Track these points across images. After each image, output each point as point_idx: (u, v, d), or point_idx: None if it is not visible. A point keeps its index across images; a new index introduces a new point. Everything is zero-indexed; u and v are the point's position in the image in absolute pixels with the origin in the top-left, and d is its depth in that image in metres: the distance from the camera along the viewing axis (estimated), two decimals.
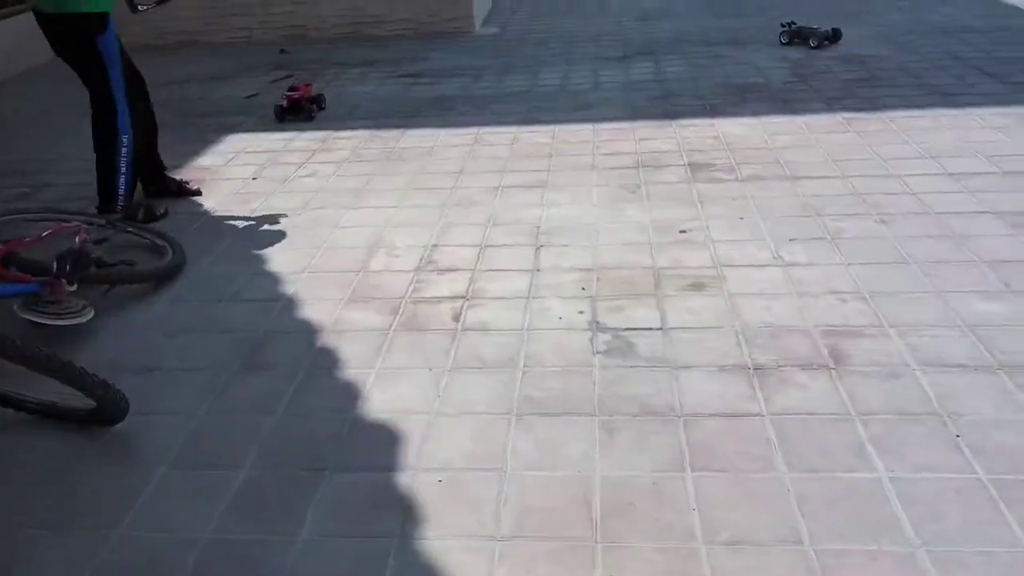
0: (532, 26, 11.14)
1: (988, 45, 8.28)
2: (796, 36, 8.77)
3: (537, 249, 4.59)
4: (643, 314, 3.86)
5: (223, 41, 11.01)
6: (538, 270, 4.36)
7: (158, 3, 5.06)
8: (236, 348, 3.78)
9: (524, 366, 3.53)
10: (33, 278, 3.57)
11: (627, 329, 3.75)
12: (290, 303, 4.17)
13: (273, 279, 4.44)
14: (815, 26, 8.71)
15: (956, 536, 2.51)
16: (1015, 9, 10.08)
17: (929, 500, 2.66)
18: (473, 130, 6.76)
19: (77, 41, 4.79)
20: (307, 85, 7.33)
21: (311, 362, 3.65)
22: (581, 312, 3.92)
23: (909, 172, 5.27)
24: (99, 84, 4.93)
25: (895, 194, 4.96)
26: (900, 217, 4.66)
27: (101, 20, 4.77)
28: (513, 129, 6.72)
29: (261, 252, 4.77)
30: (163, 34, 10.96)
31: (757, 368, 3.41)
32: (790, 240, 4.48)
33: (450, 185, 5.61)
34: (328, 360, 3.66)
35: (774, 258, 4.30)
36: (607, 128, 6.58)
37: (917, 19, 9.80)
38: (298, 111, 7.09)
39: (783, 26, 8.91)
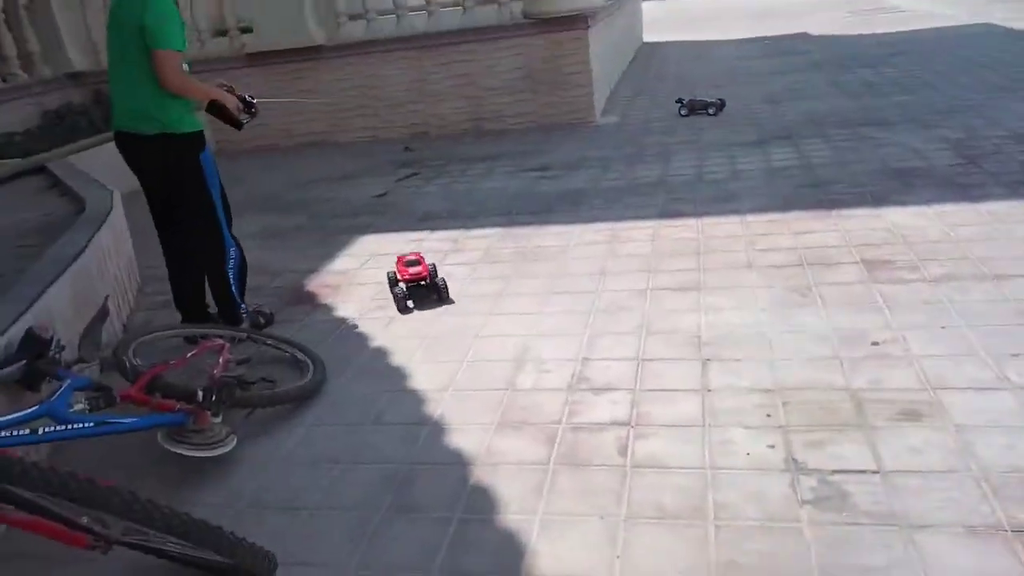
0: (653, 113, 10.87)
1: None
2: (691, 107, 10.21)
3: (704, 363, 4.07)
4: (851, 451, 3.25)
5: (348, 141, 11.30)
6: (709, 390, 3.83)
7: (252, 116, 4.95)
8: (384, 483, 3.42)
9: (715, 518, 2.97)
10: (178, 405, 3.35)
11: (835, 472, 3.14)
12: (436, 428, 3.80)
13: (416, 399, 4.10)
14: (706, 98, 10.25)
15: None
16: None
17: None
18: (609, 225, 6.40)
19: (177, 160, 4.69)
20: (419, 258, 5.39)
21: (466, 504, 3.23)
22: (772, 447, 3.35)
23: None
24: (198, 202, 4.78)
25: None
26: None
27: (201, 137, 4.73)
28: (652, 223, 6.31)
29: (401, 366, 4.47)
30: (292, 135, 11.38)
31: (1016, 531, 2.73)
32: (1012, 356, 3.78)
33: (593, 288, 5.21)
34: (484, 502, 3.23)
35: (999, 379, 3.61)
36: (757, 220, 6.06)
37: None
38: (423, 295, 5.24)
39: (678, 102, 10.30)
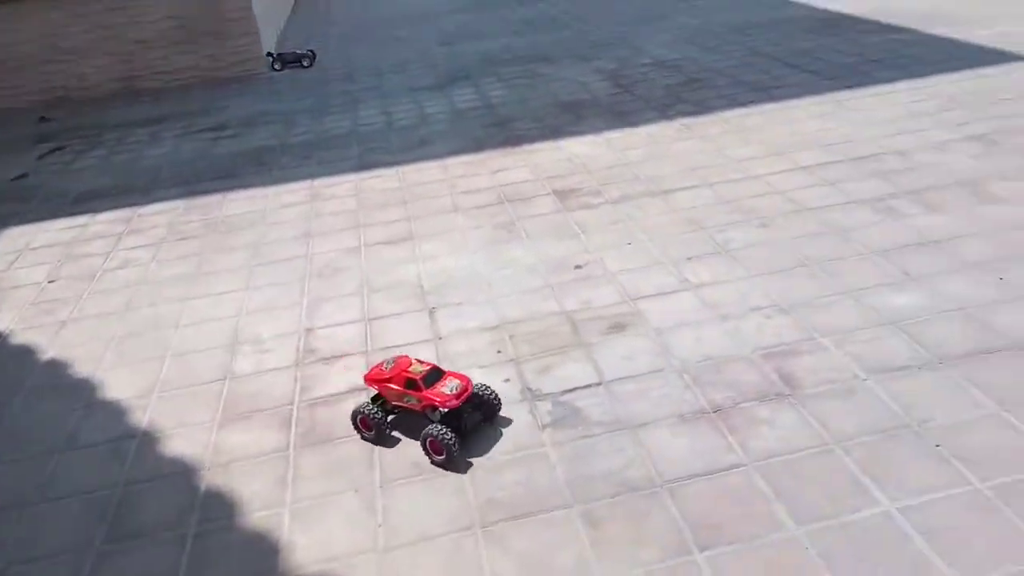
0: (329, 60, 10.46)
1: (779, 38, 8.85)
2: (283, 61, 10.13)
3: (431, 312, 4.07)
4: (576, 370, 3.48)
5: None
6: (440, 338, 3.84)
7: None
8: (93, 515, 2.91)
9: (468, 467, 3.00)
10: None
11: (566, 392, 3.34)
12: (148, 439, 3.33)
13: (115, 410, 3.54)
14: (297, 50, 10.22)
15: (989, 562, 2.35)
16: (786, 2, 10.93)
17: (946, 527, 2.49)
18: (306, 184, 6.06)
19: None
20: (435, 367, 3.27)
21: (200, 515, 2.88)
22: (507, 380, 3.46)
23: (766, 171, 5.34)
24: None
25: (763, 195, 4.98)
26: (779, 219, 4.66)
27: None
28: (352, 177, 6.11)
29: (88, 376, 3.83)
30: None
31: (717, 410, 3.14)
32: (688, 260, 4.31)
33: (301, 252, 4.92)
34: (221, 508, 2.91)
35: (681, 282, 4.10)
36: (455, 163, 6.16)
37: (708, 21, 10.32)
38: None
39: (268, 56, 10.13)
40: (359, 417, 3.12)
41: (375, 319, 4.06)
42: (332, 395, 3.49)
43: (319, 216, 5.43)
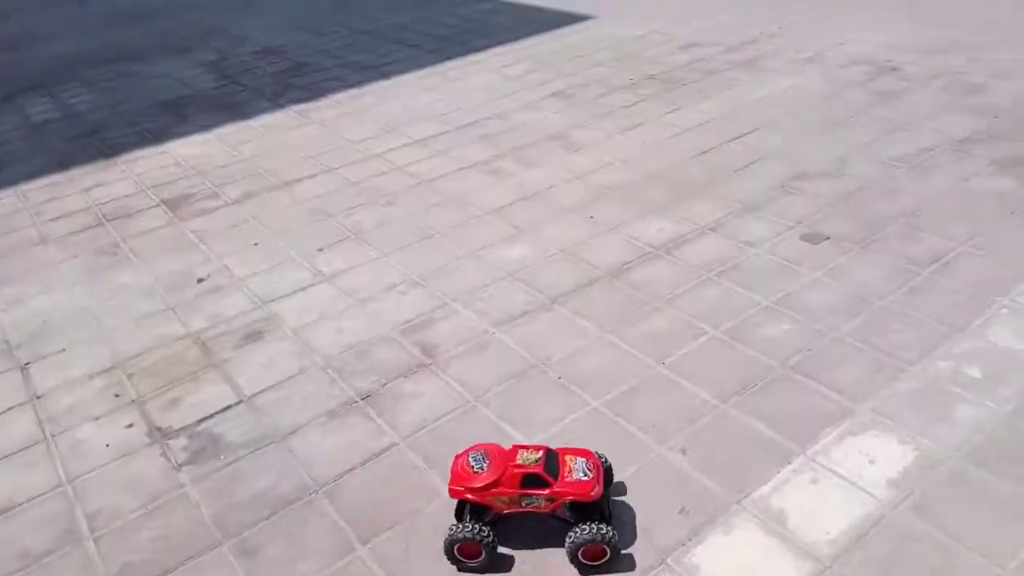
0: None
1: (379, 13, 8.99)
2: None
3: (23, 369, 3.44)
4: (211, 394, 3.20)
5: None
6: (38, 397, 3.27)
7: None
8: None
9: (91, 532, 2.60)
10: None
11: (202, 420, 3.06)
12: None
13: None
14: None
15: (616, 464, 2.66)
16: None
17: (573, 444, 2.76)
18: None
19: None
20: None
21: None
22: (131, 426, 3.07)
23: (384, 149, 5.42)
24: None
25: (386, 173, 5.05)
26: (402, 194, 4.76)
27: None
28: None
29: None
30: None
31: (365, 397, 3.11)
32: (319, 251, 4.21)
33: None
34: None
35: (315, 275, 3.99)
36: (36, 187, 5.28)
37: (306, 1, 10.11)
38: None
39: None
40: (457, 546, 2.32)
41: None
42: None
43: None
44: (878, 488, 2.47)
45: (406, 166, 5.12)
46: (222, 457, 2.87)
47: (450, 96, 6.29)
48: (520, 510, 2.35)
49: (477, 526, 2.30)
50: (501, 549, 2.38)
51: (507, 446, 2.46)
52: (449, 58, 7.23)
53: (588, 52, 7.01)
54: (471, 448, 2.41)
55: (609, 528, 2.27)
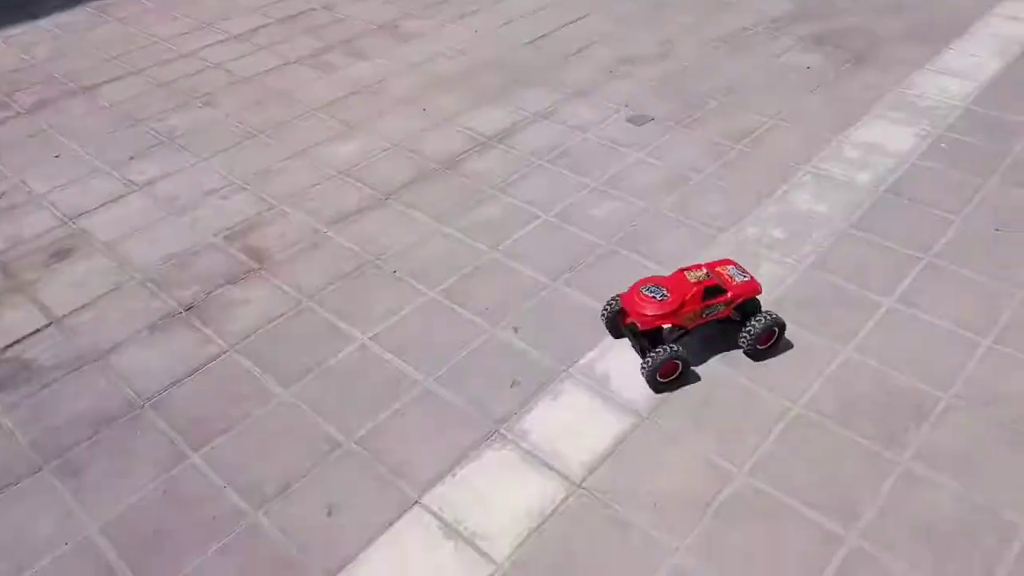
0: None
1: None
2: None
3: None
4: (16, 319, 2.96)
5: None
6: None
7: None
8: None
9: None
10: None
11: (8, 347, 2.84)
12: None
13: None
14: None
15: (448, 351, 2.72)
16: None
17: (410, 337, 2.79)
18: None
19: None
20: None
21: None
22: None
23: (199, 46, 5.00)
24: None
25: (201, 72, 4.68)
26: (220, 94, 4.44)
27: None
28: None
29: None
30: None
31: (189, 307, 2.98)
32: (131, 159, 3.89)
33: None
34: None
35: (126, 185, 3.70)
36: None
37: None
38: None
39: None
40: (659, 369, 2.47)
41: None
42: None
43: None
44: None
45: (224, 63, 4.77)
46: (35, 385, 2.68)
47: None
48: (702, 321, 2.60)
49: (673, 346, 2.50)
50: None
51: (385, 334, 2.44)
52: None
53: None
54: (634, 288, 2.58)
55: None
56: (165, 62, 4.82)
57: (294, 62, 4.75)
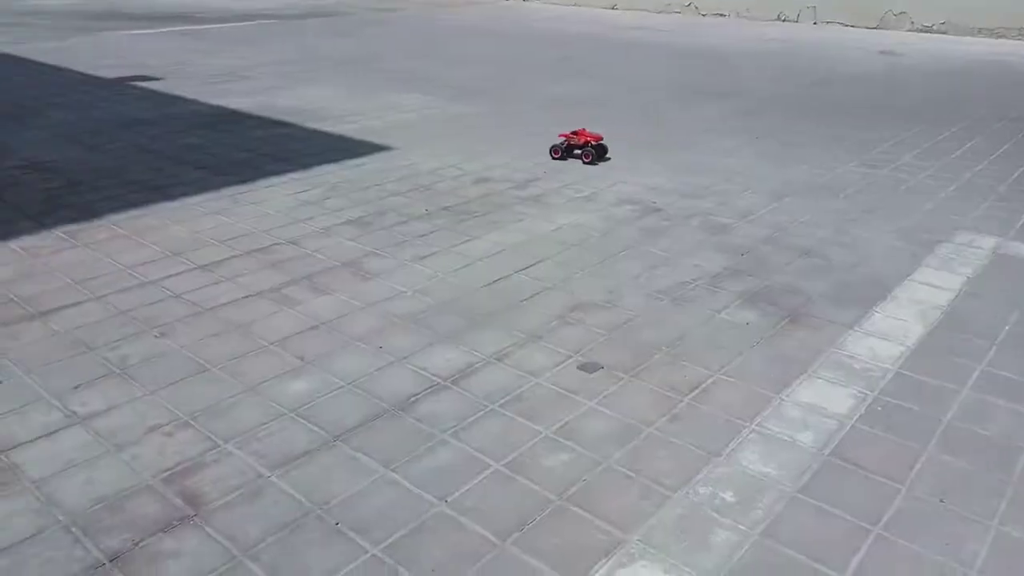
0: None
1: (169, 135, 8.71)
2: None
3: None
4: None
5: None
6: None
7: None
8: None
9: None
10: None
11: None
12: None
13: None
14: None
15: None
16: (175, 98, 10.85)
17: None
18: None
19: None
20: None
21: None
22: None
23: (162, 275, 5.12)
24: None
25: (160, 301, 4.75)
26: (178, 325, 4.48)
27: None
28: None
29: None
30: None
31: (114, 558, 2.78)
32: (75, 389, 3.81)
33: None
34: None
35: (67, 417, 3.59)
36: None
37: (86, 117, 9.59)
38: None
39: None
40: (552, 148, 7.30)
41: None
42: None
43: None
44: None
45: (186, 293, 4.86)
46: None
47: (241, 221, 6.14)
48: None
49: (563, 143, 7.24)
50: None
51: None
52: (243, 181, 7.11)
53: (385, 181, 7.20)
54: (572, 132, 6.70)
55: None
56: (127, 289, 4.90)
57: (255, 295, 4.87)
